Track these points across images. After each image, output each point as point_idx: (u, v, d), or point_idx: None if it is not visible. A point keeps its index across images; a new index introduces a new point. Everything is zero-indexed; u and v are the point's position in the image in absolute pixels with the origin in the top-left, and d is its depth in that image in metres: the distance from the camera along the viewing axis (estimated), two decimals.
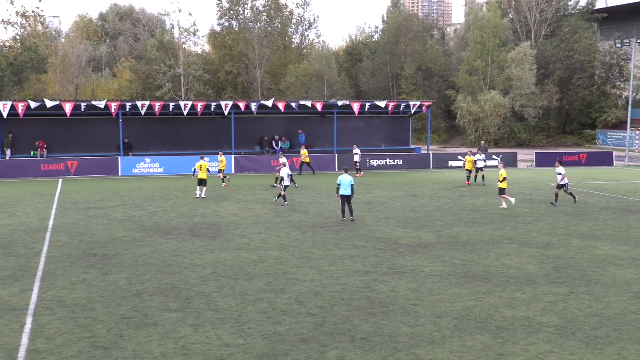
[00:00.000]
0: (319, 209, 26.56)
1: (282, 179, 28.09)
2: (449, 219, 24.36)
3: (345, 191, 23.64)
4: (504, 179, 27.24)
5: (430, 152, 48.17)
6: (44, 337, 11.90)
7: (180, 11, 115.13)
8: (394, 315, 13.09)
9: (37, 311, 13.33)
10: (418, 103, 47.29)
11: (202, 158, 31.08)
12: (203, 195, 29.86)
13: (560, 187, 28.12)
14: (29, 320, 12.79)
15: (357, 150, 40.82)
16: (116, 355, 11.05)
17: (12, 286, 15.17)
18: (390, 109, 46.64)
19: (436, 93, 72.79)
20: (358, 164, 40.39)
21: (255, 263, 17.41)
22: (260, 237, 20.92)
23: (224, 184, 34.24)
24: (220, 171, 34.81)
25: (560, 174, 28.02)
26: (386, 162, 44.97)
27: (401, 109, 47.83)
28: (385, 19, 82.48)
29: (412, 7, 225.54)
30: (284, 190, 27.89)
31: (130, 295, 14.48)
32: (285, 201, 27.75)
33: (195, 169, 30.33)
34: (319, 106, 45.28)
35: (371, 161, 44.47)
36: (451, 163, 46.34)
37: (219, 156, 35.29)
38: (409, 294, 14.60)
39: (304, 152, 40.26)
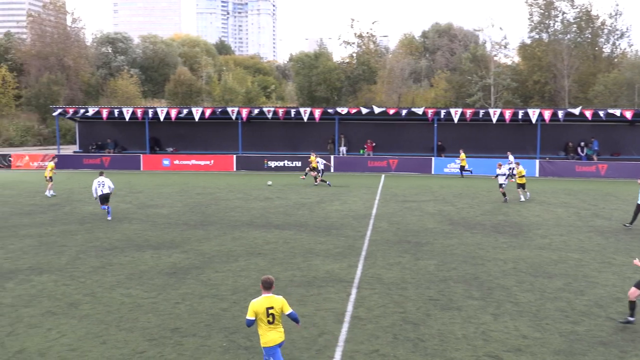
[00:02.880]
0: (623, 216, 24.12)
1: (321, 171, 34.27)
2: None
3: None
4: (522, 176, 27.97)
5: None
6: (365, 307, 12.63)
7: (492, 26, 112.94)
8: None
9: (360, 284, 14.20)
10: None
11: (518, 165, 29.59)
12: (528, 197, 28.65)
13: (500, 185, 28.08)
14: (353, 292, 13.68)
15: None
16: (423, 331, 11.29)
17: (341, 261, 16.38)
18: None
19: None
20: None
21: (555, 263, 16.45)
22: (561, 238, 19.71)
23: (316, 183, 34.15)
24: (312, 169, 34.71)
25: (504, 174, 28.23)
26: None
27: None
28: None
29: None
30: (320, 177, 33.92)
31: (437, 280, 14.69)
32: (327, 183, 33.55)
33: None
34: (628, 114, 41.13)
35: None
36: None
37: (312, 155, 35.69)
38: None
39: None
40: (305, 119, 43.48)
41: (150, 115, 44.76)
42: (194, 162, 43.92)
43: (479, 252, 17.55)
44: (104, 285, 14.13)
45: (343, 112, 43.02)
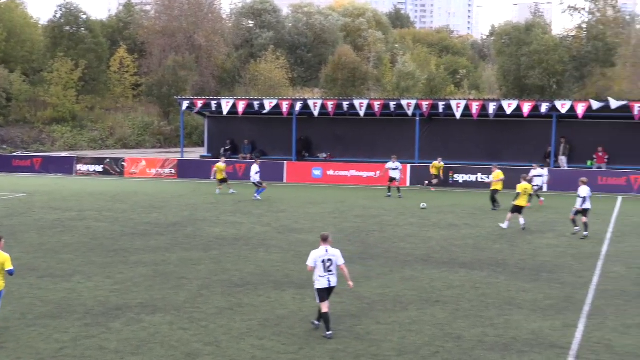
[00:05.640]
0: None
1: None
2: None
3: None
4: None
5: None
6: None
7: None
8: None
9: (579, 353, 13.60)
10: None
11: None
12: None
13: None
14: None
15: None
16: None
17: (554, 319, 15.82)
18: None
19: None
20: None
21: None
22: None
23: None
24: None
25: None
26: None
27: None
28: None
29: None
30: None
31: None
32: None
33: None
34: None
35: None
36: None
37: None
38: None
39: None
40: (509, 112, 42.45)
41: (299, 109, 46.17)
42: (353, 172, 44.68)
43: None
44: (230, 333, 14.73)
45: (564, 108, 41.56)
